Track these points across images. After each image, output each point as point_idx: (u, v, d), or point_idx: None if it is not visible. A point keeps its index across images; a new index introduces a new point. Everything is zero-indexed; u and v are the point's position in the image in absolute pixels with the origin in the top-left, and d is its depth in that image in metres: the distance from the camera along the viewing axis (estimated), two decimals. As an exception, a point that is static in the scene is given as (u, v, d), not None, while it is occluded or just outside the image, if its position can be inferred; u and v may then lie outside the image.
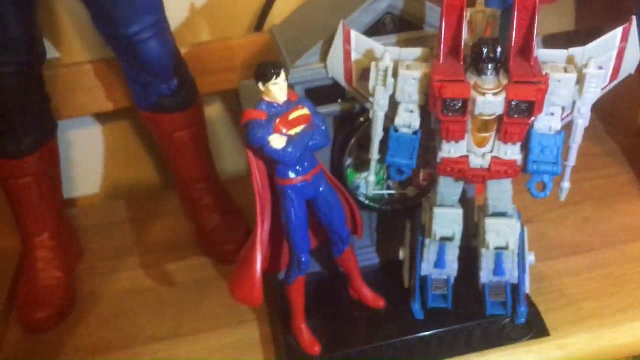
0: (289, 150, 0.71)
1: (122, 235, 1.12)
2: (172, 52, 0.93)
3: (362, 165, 0.86)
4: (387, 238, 0.94)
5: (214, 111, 1.21)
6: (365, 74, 0.74)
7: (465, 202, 0.83)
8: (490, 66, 0.67)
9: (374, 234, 0.94)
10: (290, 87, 0.78)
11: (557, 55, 0.71)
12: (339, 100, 0.81)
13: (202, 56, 1.11)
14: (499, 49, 0.66)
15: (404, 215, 0.90)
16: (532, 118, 0.68)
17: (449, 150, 0.72)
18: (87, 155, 1.21)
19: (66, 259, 0.99)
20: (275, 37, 0.87)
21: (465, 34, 0.71)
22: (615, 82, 0.74)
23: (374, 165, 0.77)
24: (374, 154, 0.76)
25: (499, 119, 0.69)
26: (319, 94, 0.80)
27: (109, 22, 0.87)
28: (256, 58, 1.07)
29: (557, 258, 0.96)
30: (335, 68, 0.76)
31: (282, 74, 0.71)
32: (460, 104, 0.68)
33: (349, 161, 0.85)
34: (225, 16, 1.14)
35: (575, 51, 0.71)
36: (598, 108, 0.75)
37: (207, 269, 1.02)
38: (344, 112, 0.82)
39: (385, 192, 0.88)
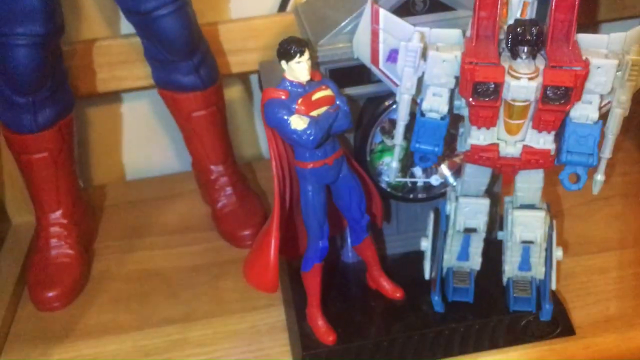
0: (310, 132, 0.68)
1: (138, 215, 1.10)
2: (192, 29, 0.90)
3: (386, 150, 0.83)
4: (408, 227, 0.91)
5: (234, 93, 1.18)
6: (392, 55, 0.71)
7: (490, 192, 0.80)
8: (525, 49, 0.63)
9: (396, 222, 0.91)
10: (314, 66, 0.76)
11: (597, 40, 0.67)
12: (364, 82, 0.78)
13: (223, 35, 1.08)
14: (535, 31, 0.63)
15: (427, 204, 0.87)
16: (569, 106, 0.64)
17: (478, 137, 0.69)
18: (106, 133, 1.19)
19: (80, 237, 0.97)
20: (300, 16, 0.84)
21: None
22: (658, 71, 0.70)
23: (397, 150, 0.74)
24: (399, 139, 0.73)
25: (533, 105, 0.66)
26: (343, 74, 0.77)
27: (129, -4, 0.85)
28: (279, 39, 1.04)
29: (584, 254, 0.92)
30: (362, 48, 0.73)
31: (306, 53, 0.68)
32: (492, 88, 0.65)
33: (372, 146, 0.82)
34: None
35: (617, 36, 0.67)
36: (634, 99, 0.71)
37: (222, 253, 1.00)
38: (369, 95, 0.80)
39: (409, 179, 0.85)
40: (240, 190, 1.04)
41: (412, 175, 0.86)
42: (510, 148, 0.69)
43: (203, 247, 1.02)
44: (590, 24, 1.14)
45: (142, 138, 1.21)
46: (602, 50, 0.66)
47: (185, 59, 0.92)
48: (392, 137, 0.76)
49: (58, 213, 0.96)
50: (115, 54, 1.06)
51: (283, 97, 0.69)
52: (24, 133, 0.89)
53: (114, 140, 1.20)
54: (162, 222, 1.09)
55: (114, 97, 1.16)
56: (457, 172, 0.84)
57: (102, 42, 1.06)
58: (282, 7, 1.10)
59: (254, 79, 1.18)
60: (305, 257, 0.77)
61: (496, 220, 0.86)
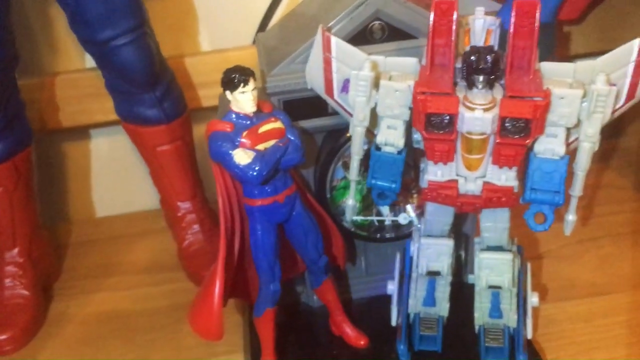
0: (254, 166, 0.64)
1: (106, 253, 1.06)
2: (152, 59, 0.86)
3: (349, 187, 0.78)
4: (377, 269, 0.85)
5: (209, 126, 1.15)
6: (346, 85, 0.67)
7: (460, 231, 0.74)
8: (481, 78, 0.59)
9: (364, 263, 0.85)
10: (266, 97, 0.72)
11: (563, 68, 0.62)
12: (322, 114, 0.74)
13: (197, 67, 1.05)
14: (490, 58, 0.58)
15: (398, 244, 0.82)
16: (529, 139, 0.59)
17: (436, 173, 0.64)
18: (77, 168, 1.16)
19: (37, 277, 0.93)
20: (259, 45, 0.80)
21: (461, 44, 0.63)
22: (632, 102, 0.64)
23: (353, 187, 0.69)
24: (354, 175, 0.68)
25: (492, 138, 0.60)
26: (299, 106, 0.73)
27: (84, 25, 0.82)
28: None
29: (569, 300, 0.86)
30: (315, 78, 0.69)
31: (251, 82, 0.64)
32: (447, 120, 0.60)
33: (333, 182, 0.77)
34: (228, 27, 1.08)
35: (585, 65, 0.62)
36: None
37: (187, 294, 0.95)
38: (328, 127, 0.75)
39: (375, 217, 0.80)
40: (208, 229, 0.99)
41: (379, 214, 0.81)
42: (471, 185, 0.64)
43: (168, 288, 0.97)
44: (573, 58, 1.10)
45: (115, 173, 1.17)
46: (567, 80, 0.61)
47: (146, 91, 0.89)
48: (351, 173, 0.71)
49: (14, 251, 0.92)
50: (84, 87, 1.04)
51: (228, 129, 0.65)
52: (-26, 167, 0.86)
53: (85, 175, 1.17)
54: (130, 261, 1.04)
55: (86, 131, 1.13)
56: (423, 210, 0.78)
57: (70, 75, 1.04)
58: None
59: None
60: (257, 302, 0.72)
61: (468, 262, 0.80)
